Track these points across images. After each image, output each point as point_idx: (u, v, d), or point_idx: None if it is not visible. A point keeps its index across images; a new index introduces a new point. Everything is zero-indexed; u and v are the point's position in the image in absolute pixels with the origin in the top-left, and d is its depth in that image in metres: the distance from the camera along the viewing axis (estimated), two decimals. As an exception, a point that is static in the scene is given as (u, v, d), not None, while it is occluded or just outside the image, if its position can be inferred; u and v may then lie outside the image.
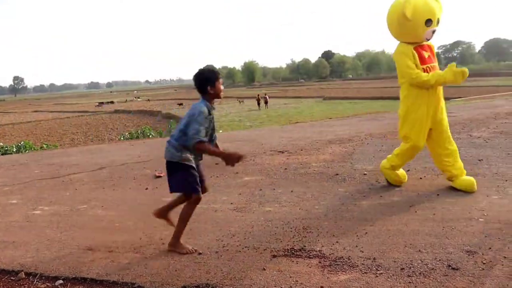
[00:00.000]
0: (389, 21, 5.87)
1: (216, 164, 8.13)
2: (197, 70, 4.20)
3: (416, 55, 5.61)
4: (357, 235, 4.37)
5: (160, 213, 4.57)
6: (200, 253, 4.24)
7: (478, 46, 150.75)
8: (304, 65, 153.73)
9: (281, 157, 8.63)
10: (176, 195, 4.48)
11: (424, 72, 5.54)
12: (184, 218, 4.28)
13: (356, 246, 4.10)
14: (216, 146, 4.37)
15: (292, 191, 6.10)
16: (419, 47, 5.66)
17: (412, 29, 5.62)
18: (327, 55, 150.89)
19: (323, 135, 11.46)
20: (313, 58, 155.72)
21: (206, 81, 4.09)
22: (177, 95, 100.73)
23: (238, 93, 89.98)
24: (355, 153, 8.49)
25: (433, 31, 5.62)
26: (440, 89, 5.74)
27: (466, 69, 5.33)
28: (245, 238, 4.52)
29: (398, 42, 5.81)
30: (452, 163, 5.74)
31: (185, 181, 4.17)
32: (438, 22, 5.67)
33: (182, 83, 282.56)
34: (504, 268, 3.54)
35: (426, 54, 5.62)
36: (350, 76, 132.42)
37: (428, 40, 5.69)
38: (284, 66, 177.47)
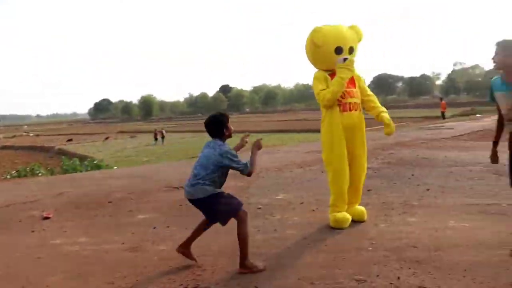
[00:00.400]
0: (306, 48, 5.92)
1: (109, 202, 7.87)
2: (208, 117, 4.59)
3: (329, 79, 5.63)
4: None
5: (185, 247, 4.72)
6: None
7: (367, 81, 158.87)
8: (202, 99, 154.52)
9: (177, 193, 8.49)
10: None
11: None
12: (245, 239, 4.39)
13: (251, 282, 4.08)
14: None
15: (186, 228, 5.93)
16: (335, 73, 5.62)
17: (323, 56, 5.70)
18: (225, 89, 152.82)
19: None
20: (211, 92, 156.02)
21: (222, 124, 4.46)
22: (71, 130, 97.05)
23: (135, 128, 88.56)
24: (250, 187, 8.56)
25: (345, 59, 5.58)
26: (360, 119, 5.75)
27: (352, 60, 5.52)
28: (137, 280, 4.35)
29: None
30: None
31: (229, 206, 4.43)
32: (351, 51, 5.71)
33: (77, 117, 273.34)
34: (391, 296, 3.68)
35: None
36: (248, 110, 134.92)
37: None
38: (182, 100, 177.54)
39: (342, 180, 5.69)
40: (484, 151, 8.33)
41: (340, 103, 5.59)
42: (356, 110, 5.65)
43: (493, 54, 4.37)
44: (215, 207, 4.43)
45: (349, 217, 5.69)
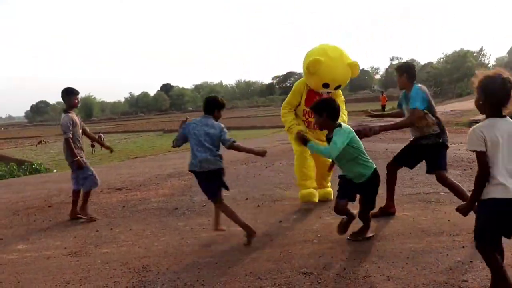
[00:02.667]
0: (303, 62, 6.34)
1: (49, 206, 7.63)
2: (213, 95, 5.31)
3: (305, 96, 6.29)
4: (198, 269, 4.31)
5: (216, 225, 5.40)
6: None
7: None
8: (143, 99, 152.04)
9: (119, 194, 8.33)
10: None
11: (304, 113, 6.33)
12: (232, 212, 5.10)
13: (197, 281, 4.04)
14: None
15: (130, 230, 5.87)
16: (315, 92, 6.22)
17: (312, 80, 6.21)
18: (166, 88, 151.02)
19: (162, 169, 11.33)
20: (152, 91, 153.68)
21: (219, 106, 5.16)
22: (7, 134, 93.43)
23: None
24: (194, 185, 8.43)
25: (328, 93, 6.11)
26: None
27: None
28: (81, 285, 4.21)
29: None
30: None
31: (224, 183, 5.09)
32: (338, 87, 6.27)
33: (12, 121, 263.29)
34: (337, 285, 3.73)
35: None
36: (190, 108, 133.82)
37: None
38: (122, 100, 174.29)
39: (302, 164, 6.34)
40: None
41: (306, 120, 6.40)
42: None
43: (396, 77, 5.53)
44: (219, 179, 5.03)
45: (315, 193, 6.35)
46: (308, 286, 3.77)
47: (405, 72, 5.42)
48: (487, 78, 3.13)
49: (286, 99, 6.55)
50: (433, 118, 5.21)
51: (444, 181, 5.27)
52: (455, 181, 5.35)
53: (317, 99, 5.10)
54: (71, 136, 6.33)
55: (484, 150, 3.09)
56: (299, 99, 6.38)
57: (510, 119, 3.13)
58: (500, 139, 3.05)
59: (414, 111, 5.10)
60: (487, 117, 3.15)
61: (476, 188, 3.19)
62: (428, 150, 5.30)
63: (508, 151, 3.08)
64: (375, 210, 5.40)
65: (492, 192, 3.11)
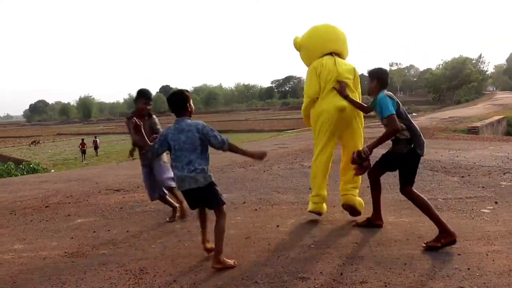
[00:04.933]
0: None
1: (46, 207, 7.62)
2: (171, 93, 4.54)
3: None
4: (194, 272, 4.30)
5: (204, 241, 4.76)
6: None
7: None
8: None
9: (117, 195, 8.32)
10: None
11: None
12: (222, 233, 4.42)
13: (194, 284, 4.03)
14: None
15: (128, 231, 5.86)
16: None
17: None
18: (165, 90, 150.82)
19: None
20: (151, 92, 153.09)
21: (187, 100, 4.45)
22: (5, 133, 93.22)
23: (75, 130, 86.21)
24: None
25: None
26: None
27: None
28: (77, 286, 4.19)
29: None
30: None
31: (218, 195, 4.46)
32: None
33: (11, 120, 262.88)
34: (334, 292, 3.72)
35: None
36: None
37: None
38: (121, 101, 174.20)
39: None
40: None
41: None
42: None
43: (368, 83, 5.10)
44: (210, 196, 4.45)
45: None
46: (305, 291, 3.76)
47: (377, 77, 5.04)
48: None
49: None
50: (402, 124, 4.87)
51: (407, 194, 4.87)
52: (420, 195, 4.93)
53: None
54: None
55: None
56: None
57: None
58: None
59: (391, 117, 4.75)
60: None
61: None
62: (399, 159, 4.89)
63: None
64: (363, 219, 5.49)
65: None
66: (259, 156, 4.65)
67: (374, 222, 5.40)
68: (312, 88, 5.72)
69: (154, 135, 5.69)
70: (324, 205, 5.81)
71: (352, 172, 5.40)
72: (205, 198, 4.45)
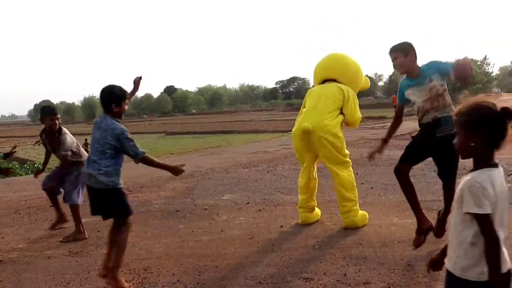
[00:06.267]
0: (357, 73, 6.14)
1: (51, 206, 7.61)
2: (103, 87, 4.13)
3: None
4: (198, 272, 4.31)
5: (107, 262, 4.10)
6: None
7: (312, 82, 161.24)
8: (147, 100, 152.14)
9: (122, 195, 8.33)
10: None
11: None
12: (125, 245, 4.14)
13: (198, 283, 4.04)
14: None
15: (131, 231, 5.84)
16: None
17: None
18: (170, 90, 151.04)
19: (163, 172, 11.28)
20: (156, 93, 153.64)
21: (111, 100, 4.06)
22: (10, 133, 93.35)
23: (79, 130, 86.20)
24: (196, 188, 8.50)
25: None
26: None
27: None
28: (81, 285, 4.22)
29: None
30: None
31: (126, 205, 4.16)
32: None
33: (16, 120, 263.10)
34: (337, 292, 3.72)
35: None
36: (194, 111, 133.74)
37: None
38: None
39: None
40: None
41: None
42: None
43: (392, 62, 4.59)
44: (113, 202, 4.11)
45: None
46: (309, 291, 3.77)
47: (412, 50, 4.49)
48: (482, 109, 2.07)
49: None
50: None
51: (452, 191, 4.12)
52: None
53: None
54: None
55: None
56: None
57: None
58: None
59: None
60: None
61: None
62: (448, 144, 3.71)
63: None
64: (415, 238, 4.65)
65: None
66: (176, 170, 4.32)
67: (423, 228, 4.60)
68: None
69: (68, 152, 5.66)
70: (312, 214, 5.82)
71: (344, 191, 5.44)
72: (107, 204, 4.11)
